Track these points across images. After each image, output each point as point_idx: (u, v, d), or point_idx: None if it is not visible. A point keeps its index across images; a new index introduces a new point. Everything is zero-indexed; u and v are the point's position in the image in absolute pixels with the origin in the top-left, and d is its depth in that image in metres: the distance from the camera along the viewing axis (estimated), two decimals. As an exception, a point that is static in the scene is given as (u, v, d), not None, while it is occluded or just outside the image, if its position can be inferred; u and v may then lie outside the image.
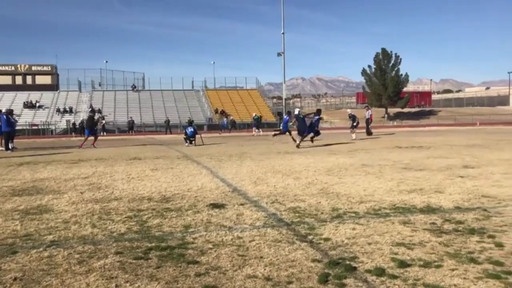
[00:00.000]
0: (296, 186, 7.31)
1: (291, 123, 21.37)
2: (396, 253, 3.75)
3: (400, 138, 21.95)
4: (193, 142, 20.05)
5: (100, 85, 64.11)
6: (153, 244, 4.14)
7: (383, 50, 60.95)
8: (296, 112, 19.76)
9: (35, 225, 4.98)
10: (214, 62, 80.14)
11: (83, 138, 22.37)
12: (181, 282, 3.21)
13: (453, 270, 3.34)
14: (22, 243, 4.28)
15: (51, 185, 8.02)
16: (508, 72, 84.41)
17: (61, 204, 6.17)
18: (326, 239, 4.20)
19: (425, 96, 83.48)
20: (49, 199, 6.57)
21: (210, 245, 4.07)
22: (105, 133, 42.88)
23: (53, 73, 63.39)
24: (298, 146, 16.99)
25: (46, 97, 58.05)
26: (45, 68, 63.26)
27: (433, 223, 4.72)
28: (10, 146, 18.15)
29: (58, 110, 54.79)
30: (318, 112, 19.53)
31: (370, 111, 24.96)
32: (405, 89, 65.78)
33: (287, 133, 21.57)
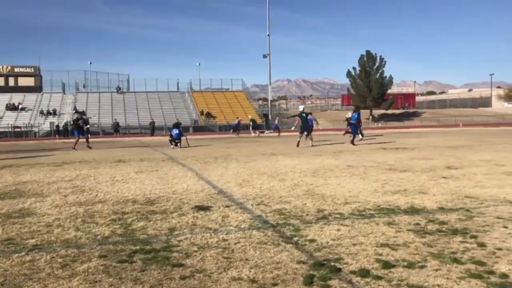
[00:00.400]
0: (282, 188, 7.32)
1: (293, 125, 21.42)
2: (381, 254, 3.77)
3: (385, 139, 22.13)
4: (178, 144, 19.97)
5: (84, 86, 63.50)
6: (137, 247, 4.11)
7: (368, 52, 61.40)
8: (301, 108, 19.96)
9: (17, 229, 4.90)
10: (199, 64, 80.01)
11: (67, 141, 22.15)
12: (165, 285, 3.18)
13: (436, 270, 3.37)
14: (3, 247, 4.22)
15: (33, 188, 7.91)
16: (490, 74, 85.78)
17: (44, 207, 6.09)
18: (311, 241, 4.21)
19: (409, 98, 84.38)
20: (32, 202, 6.48)
21: (195, 248, 4.05)
22: (89, 135, 42.44)
23: (36, 75, 62.63)
24: (298, 145, 17.67)
25: (29, 99, 57.32)
26: (28, 70, 62.47)
27: (417, 224, 4.76)
28: None
29: (41, 112, 54.12)
30: (357, 108, 20.04)
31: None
32: (389, 91, 66.35)
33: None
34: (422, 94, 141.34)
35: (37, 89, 60.99)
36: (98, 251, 4.03)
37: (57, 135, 43.96)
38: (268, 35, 58.43)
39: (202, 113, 56.04)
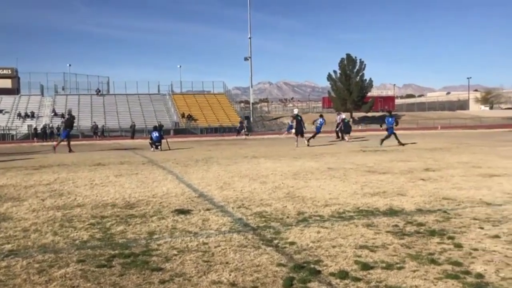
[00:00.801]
0: (263, 191, 7.34)
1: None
2: (360, 256, 3.81)
3: (365, 142, 22.35)
4: (159, 147, 19.83)
5: (63, 89, 62.55)
6: (116, 252, 4.07)
7: (348, 55, 61.94)
8: (295, 112, 21.40)
9: (-8, 234, 4.81)
10: (180, 66, 79.56)
11: (46, 144, 21.84)
12: (144, 290, 3.16)
13: (414, 271, 3.42)
14: (-22, 253, 4.13)
15: (10, 192, 7.76)
16: (468, 78, 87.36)
17: (21, 211, 5.98)
18: (292, 243, 4.23)
19: (388, 100, 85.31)
20: (8, 206, 6.35)
21: (175, 252, 4.03)
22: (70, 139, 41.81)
23: (14, 77, 61.47)
24: (298, 145, 18.77)
25: (6, 101, 56.15)
26: (5, 71, 61.25)
27: (396, 226, 4.82)
28: None
29: (19, 115, 53.10)
30: (390, 113, 21.03)
31: (341, 116, 26.71)
32: (369, 94, 67.00)
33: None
34: (401, 97, 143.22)
35: (14, 91, 59.83)
36: (76, 255, 3.97)
37: (35, 138, 43.21)
38: (250, 38, 58.54)
39: (183, 115, 55.74)
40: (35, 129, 45.72)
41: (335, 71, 62.72)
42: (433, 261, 3.63)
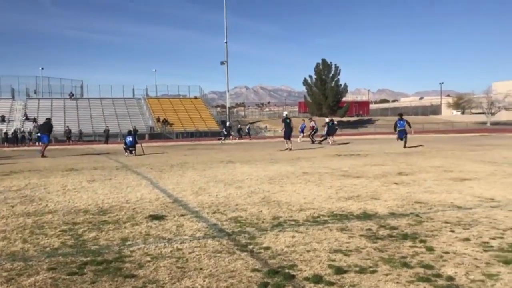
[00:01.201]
0: (238, 196, 7.32)
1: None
2: (334, 260, 3.83)
3: (340, 146, 22.56)
4: (133, 152, 19.60)
5: (35, 92, 61.27)
6: (88, 259, 3.99)
7: (323, 61, 62.59)
8: (284, 114, 22.33)
9: (-42, 242, 4.66)
10: (155, 70, 79.09)
11: (17, 149, 21.32)
12: (117, 298, 3.11)
13: (387, 275, 3.46)
14: None
15: (-22, 198, 7.55)
16: (440, 83, 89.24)
17: (-11, 219, 5.82)
18: (266, 248, 4.23)
19: (363, 105, 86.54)
20: (-24, 214, 6.17)
21: (148, 258, 3.98)
22: (40, 143, 40.96)
23: (-17, 80, 59.93)
24: (290, 149, 19.29)
25: (-25, 105, 54.77)
26: (-27, 75, 59.64)
27: (369, 229, 4.87)
28: None
29: (-12, 119, 51.82)
30: (401, 116, 21.36)
31: (313, 122, 28.40)
32: (344, 99, 67.82)
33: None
34: (375, 102, 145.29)
35: (-17, 95, 58.39)
36: (47, 263, 3.89)
37: (5, 143, 42.19)
38: (226, 42, 58.56)
39: (158, 120, 55.28)
40: (6, 133, 44.66)
41: (310, 76, 63.31)
42: (406, 265, 3.68)
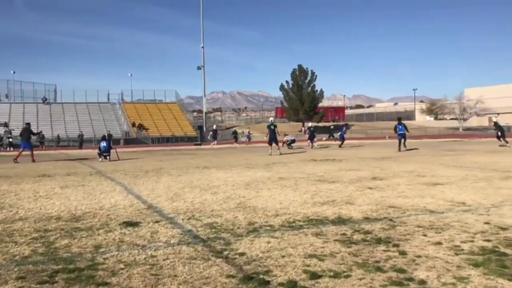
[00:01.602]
0: (214, 201, 7.29)
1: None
2: (308, 265, 3.85)
3: (315, 152, 22.73)
4: (107, 157, 19.33)
5: (6, 97, 59.96)
6: (60, 267, 3.91)
7: (300, 66, 63.08)
8: (270, 120, 23.01)
9: None
10: (131, 74, 78.32)
11: None
12: (88, 306, 3.05)
13: (360, 279, 3.49)
14: None
15: None
16: (414, 89, 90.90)
17: (-44, 227, 5.65)
18: (241, 254, 4.22)
19: (339, 111, 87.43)
20: None
21: (121, 265, 3.93)
22: (11, 149, 40.01)
23: (-49, 83, 58.37)
24: (270, 153, 19.91)
25: None
26: None
27: (344, 234, 4.91)
28: None
29: (-43, 124, 50.41)
30: (400, 120, 22.83)
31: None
32: (320, 104, 68.43)
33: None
34: (351, 108, 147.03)
35: (-48, 99, 56.87)
36: (16, 272, 3.79)
37: (-25, 148, 41.11)
38: (202, 47, 58.41)
39: (133, 125, 54.73)
40: (-25, 139, 43.50)
41: (287, 82, 63.70)
42: (379, 269, 3.72)
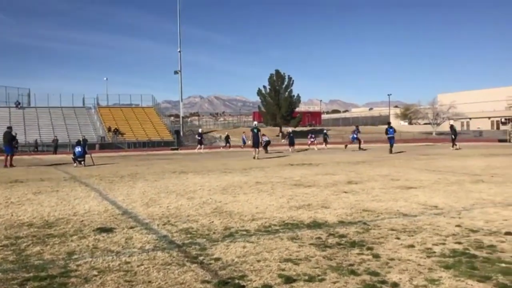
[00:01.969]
0: (190, 206, 7.26)
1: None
2: (284, 269, 3.87)
3: (293, 156, 22.84)
4: (82, 162, 19.04)
5: (-22, 101, 58.48)
6: (31, 274, 3.84)
7: (277, 71, 63.28)
8: (254, 124, 23.40)
9: None
10: (107, 78, 77.36)
11: None
12: (60, 314, 3.00)
13: (334, 283, 3.52)
14: None
15: None
16: (388, 95, 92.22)
17: None
18: (217, 259, 4.21)
19: (315, 115, 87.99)
20: None
21: (95, 272, 3.88)
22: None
23: None
24: (255, 157, 20.16)
25: None
26: None
27: (319, 238, 4.96)
28: None
29: None
30: (389, 124, 25.60)
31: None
32: (297, 109, 68.70)
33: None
34: (327, 112, 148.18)
35: None
36: (-15, 281, 3.70)
37: None
38: (179, 51, 58.15)
39: (109, 129, 53.99)
40: None
41: (265, 87, 63.80)
42: (353, 272, 3.76)
